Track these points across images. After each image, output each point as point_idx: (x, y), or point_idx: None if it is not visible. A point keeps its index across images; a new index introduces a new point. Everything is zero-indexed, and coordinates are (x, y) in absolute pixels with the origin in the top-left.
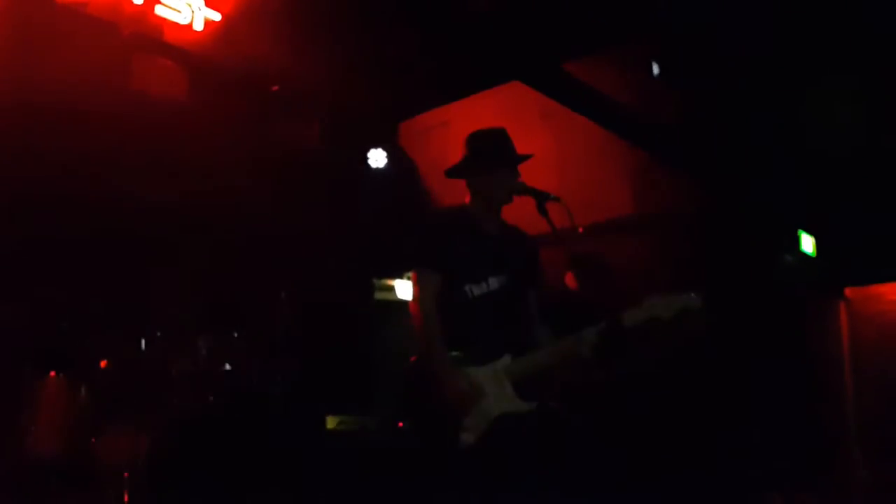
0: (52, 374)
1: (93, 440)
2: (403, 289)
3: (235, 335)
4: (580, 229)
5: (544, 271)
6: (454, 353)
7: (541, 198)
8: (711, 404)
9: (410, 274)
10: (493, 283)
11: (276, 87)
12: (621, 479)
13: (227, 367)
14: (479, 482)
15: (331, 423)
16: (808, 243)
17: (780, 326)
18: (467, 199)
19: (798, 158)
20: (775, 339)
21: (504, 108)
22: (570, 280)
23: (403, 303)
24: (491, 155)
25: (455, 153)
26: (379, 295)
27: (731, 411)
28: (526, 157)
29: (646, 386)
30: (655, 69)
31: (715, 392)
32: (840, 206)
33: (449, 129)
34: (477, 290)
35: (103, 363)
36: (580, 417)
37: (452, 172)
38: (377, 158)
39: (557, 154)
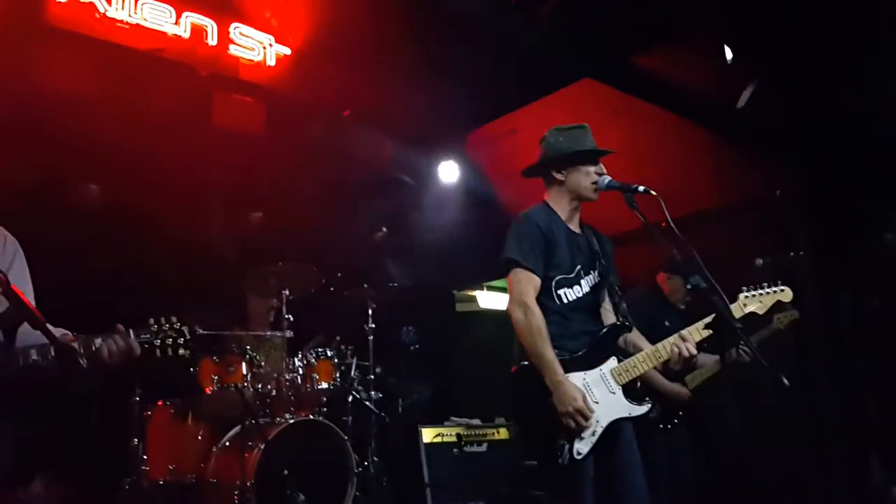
0: (160, 402)
1: (202, 464)
2: (486, 299)
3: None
4: (663, 224)
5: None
6: (558, 358)
7: (631, 191)
8: (821, 392)
9: (507, 277)
10: (585, 285)
11: (347, 112)
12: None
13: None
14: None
15: (427, 435)
16: None
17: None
18: (546, 197)
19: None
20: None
21: (572, 111)
22: (662, 280)
23: (485, 312)
24: (574, 150)
25: (525, 161)
26: (460, 307)
27: (844, 398)
28: (609, 152)
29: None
30: (729, 54)
31: (824, 379)
32: None
33: (517, 136)
34: (571, 294)
35: (207, 389)
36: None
37: (532, 170)
38: (449, 172)
39: (632, 151)
